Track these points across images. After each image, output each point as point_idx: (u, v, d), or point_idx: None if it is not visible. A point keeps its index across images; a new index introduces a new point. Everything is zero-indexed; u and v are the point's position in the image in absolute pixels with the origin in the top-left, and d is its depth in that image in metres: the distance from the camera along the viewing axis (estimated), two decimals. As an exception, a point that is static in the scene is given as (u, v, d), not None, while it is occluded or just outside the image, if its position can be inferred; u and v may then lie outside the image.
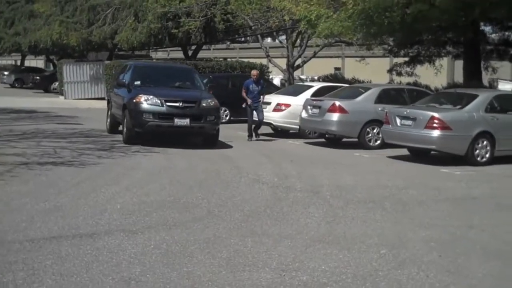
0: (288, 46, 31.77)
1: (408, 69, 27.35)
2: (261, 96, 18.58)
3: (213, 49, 56.63)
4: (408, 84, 25.67)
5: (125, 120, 15.95)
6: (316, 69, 44.31)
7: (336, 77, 35.37)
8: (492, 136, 14.78)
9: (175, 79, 17.66)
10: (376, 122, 17.14)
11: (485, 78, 26.67)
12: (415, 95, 18.26)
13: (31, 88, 51.12)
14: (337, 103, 17.43)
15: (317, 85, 21.47)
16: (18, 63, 69.78)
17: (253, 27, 32.62)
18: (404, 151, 15.92)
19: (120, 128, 16.84)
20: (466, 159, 14.66)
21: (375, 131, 17.34)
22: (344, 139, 18.47)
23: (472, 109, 14.88)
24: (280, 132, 20.34)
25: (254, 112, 18.40)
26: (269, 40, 46.10)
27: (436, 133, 14.39)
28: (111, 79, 33.78)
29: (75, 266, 6.13)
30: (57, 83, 44.66)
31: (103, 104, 27.90)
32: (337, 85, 21.90)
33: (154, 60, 47.72)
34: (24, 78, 55.52)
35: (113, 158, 13.57)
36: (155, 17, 32.53)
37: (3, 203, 8.74)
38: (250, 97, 18.31)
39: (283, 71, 32.36)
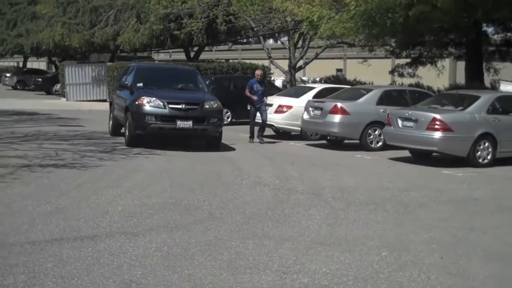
0: (290, 47, 31.75)
1: (410, 70, 27.31)
2: (265, 97, 18.51)
3: (215, 50, 56.68)
4: (410, 85, 25.64)
5: (127, 123, 15.89)
6: (318, 70, 44.28)
7: (338, 78, 35.36)
8: (494, 137, 14.77)
9: (178, 81, 17.59)
10: (378, 124, 17.14)
11: (487, 79, 26.63)
12: (417, 96, 18.25)
13: (33, 90, 51.20)
14: (339, 104, 17.43)
15: (319, 87, 21.45)
16: (20, 64, 69.85)
17: (255, 29, 32.63)
18: (406, 153, 15.91)
19: (123, 130, 16.80)
20: (468, 161, 14.64)
21: (376, 132, 17.33)
22: (346, 141, 18.47)
23: (474, 111, 14.87)
24: (281, 134, 20.34)
25: (257, 114, 18.35)
26: (271, 41, 46.12)
27: (437, 134, 14.38)
28: (113, 81, 33.83)
29: (76, 268, 6.13)
30: (59, 85, 44.71)
31: (105, 106, 27.93)
32: (339, 87, 21.90)
33: (156, 61, 47.82)
34: (26, 80, 55.59)
35: (114, 160, 13.58)
36: (157, 19, 32.56)
37: (5, 205, 8.74)
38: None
39: (285, 73, 32.34)
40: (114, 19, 35.68)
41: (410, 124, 14.94)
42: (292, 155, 15.99)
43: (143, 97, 15.67)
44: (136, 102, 15.67)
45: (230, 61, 37.81)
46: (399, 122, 15.24)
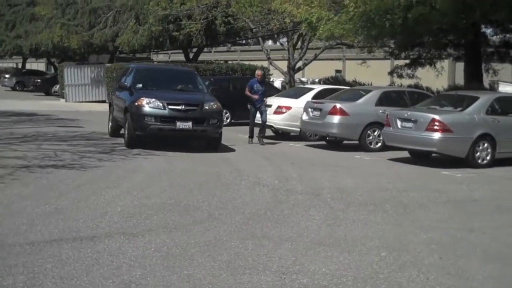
0: (289, 48, 31.79)
1: (409, 71, 27.36)
2: (265, 98, 18.45)
3: (214, 51, 56.68)
4: (409, 86, 25.65)
5: (127, 124, 15.83)
6: (317, 71, 44.31)
7: (337, 79, 35.38)
8: (493, 138, 14.78)
9: (177, 82, 17.54)
10: (377, 125, 17.15)
11: (486, 80, 26.66)
12: (416, 97, 18.26)
13: (32, 91, 51.18)
14: (338, 105, 17.43)
15: (318, 88, 21.47)
16: (19, 66, 69.81)
17: (254, 30, 32.66)
18: (405, 154, 15.91)
19: (122, 131, 16.77)
20: (467, 162, 14.65)
21: (376, 133, 17.34)
22: (345, 142, 18.48)
23: (473, 111, 14.88)
24: (281, 135, 20.34)
25: (257, 114, 18.30)
26: (270, 42, 46.13)
27: (437, 135, 14.38)
28: (112, 82, 33.84)
29: (75, 269, 6.13)
30: (58, 86, 44.73)
31: (104, 107, 27.94)
32: (338, 88, 21.92)
33: (155, 62, 47.83)
34: (25, 81, 55.58)
35: (113, 161, 13.57)
36: (156, 20, 32.57)
37: (4, 206, 8.74)
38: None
39: (284, 74, 32.37)
40: (113, 21, 35.68)
41: (409, 125, 14.95)
42: (291, 155, 16.00)
43: (142, 98, 15.63)
44: (136, 103, 15.63)
45: (229, 62, 37.81)
46: (398, 123, 15.25)
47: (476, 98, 15.34)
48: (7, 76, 59.86)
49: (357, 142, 17.62)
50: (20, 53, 51.22)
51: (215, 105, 15.98)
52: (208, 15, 30.72)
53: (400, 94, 18.87)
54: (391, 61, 35.65)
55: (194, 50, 40.85)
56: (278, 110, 19.67)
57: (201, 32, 31.49)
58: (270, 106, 19.46)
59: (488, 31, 26.36)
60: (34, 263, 6.22)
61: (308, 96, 19.81)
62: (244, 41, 43.30)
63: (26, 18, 47.79)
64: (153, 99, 15.54)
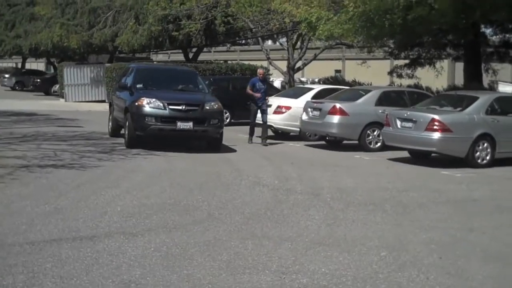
0: (288, 48, 31.79)
1: (408, 71, 27.35)
2: (267, 97, 18.37)
3: (214, 51, 56.68)
4: (409, 86, 25.66)
5: (127, 124, 15.76)
6: (316, 71, 44.34)
7: (337, 79, 35.39)
8: (492, 138, 14.78)
9: (178, 82, 17.44)
10: (377, 125, 17.15)
11: (486, 80, 26.67)
12: (415, 97, 18.26)
13: (31, 90, 51.18)
14: (338, 105, 17.43)
15: (318, 88, 21.47)
16: (19, 65, 69.82)
17: (253, 30, 32.65)
18: (405, 153, 15.92)
19: (122, 131, 16.73)
20: (467, 161, 14.65)
21: (375, 133, 17.34)
22: (345, 142, 18.48)
23: (473, 111, 14.88)
24: (280, 135, 20.34)
25: (258, 114, 18.20)
26: (269, 42, 46.15)
27: (436, 135, 14.39)
28: (111, 82, 33.84)
29: (75, 269, 6.13)
30: (57, 86, 44.71)
31: (104, 106, 27.95)
32: (337, 88, 21.92)
33: (154, 62, 47.84)
34: (24, 81, 55.58)
35: (113, 160, 13.57)
36: (156, 20, 32.57)
37: (3, 205, 8.74)
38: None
39: (284, 74, 32.37)
40: (112, 20, 35.68)
41: (409, 124, 14.95)
42: (291, 155, 16.00)
43: (142, 98, 15.55)
44: (136, 103, 15.55)
45: (229, 62, 37.82)
46: (398, 122, 15.25)
47: (476, 98, 15.34)
48: (6, 76, 59.88)
49: (356, 142, 17.63)
50: (19, 53, 51.22)
51: (216, 105, 15.88)
52: (207, 15, 30.72)
53: (400, 94, 18.87)
54: (390, 61, 35.65)
55: (194, 50, 40.84)
56: (278, 110, 19.67)
57: (200, 32, 31.49)
58: (269, 106, 19.43)
59: (488, 31, 26.37)
60: (33, 263, 6.22)
61: (308, 96, 19.81)
62: (243, 41, 43.30)
63: (25, 18, 47.78)
64: (154, 99, 15.46)
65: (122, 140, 16.44)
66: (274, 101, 20.02)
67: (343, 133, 17.62)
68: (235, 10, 28.81)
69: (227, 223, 8.26)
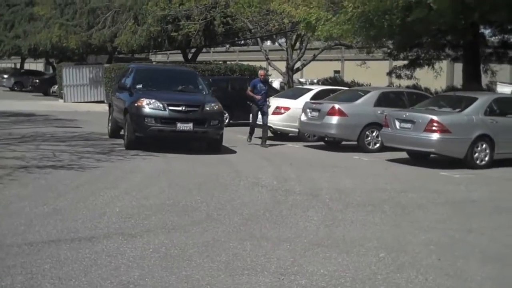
0: (287, 49, 31.81)
1: (407, 72, 27.35)
2: (267, 98, 18.32)
3: (213, 52, 56.67)
4: (408, 87, 25.68)
5: (126, 125, 15.67)
6: (315, 72, 44.34)
7: (336, 80, 35.41)
8: (491, 139, 14.79)
9: (178, 82, 17.34)
10: (375, 125, 17.15)
11: (484, 81, 26.68)
12: (414, 98, 18.27)
13: (30, 91, 51.16)
14: (337, 106, 17.44)
15: (317, 88, 21.49)
16: (18, 66, 69.80)
17: (252, 30, 32.65)
18: (403, 154, 15.92)
19: (122, 132, 16.68)
20: (466, 162, 14.66)
21: (374, 134, 17.35)
22: (343, 142, 18.48)
23: (472, 112, 14.89)
24: (279, 135, 20.33)
25: (259, 115, 18.12)
26: (268, 43, 46.12)
27: (435, 136, 14.39)
28: (110, 82, 33.83)
29: (73, 270, 6.12)
30: (56, 86, 44.71)
31: (103, 107, 27.94)
32: (336, 88, 21.93)
33: (154, 63, 47.83)
34: (23, 81, 55.56)
35: (112, 161, 13.56)
36: (155, 20, 32.56)
37: (2, 206, 8.73)
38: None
39: (283, 74, 32.38)
40: (111, 21, 35.65)
41: (408, 125, 14.96)
42: (290, 156, 16.00)
43: (142, 99, 15.47)
44: (136, 104, 15.48)
45: (228, 62, 37.82)
46: (397, 123, 15.25)
47: (475, 99, 15.35)
48: (5, 76, 59.86)
49: (355, 142, 17.63)
50: (18, 53, 51.19)
51: (216, 106, 15.79)
52: (206, 15, 30.72)
53: (399, 95, 18.88)
54: (389, 61, 35.64)
55: (193, 50, 40.82)
56: (277, 111, 19.65)
57: (199, 33, 31.48)
58: (269, 106, 19.40)
59: (487, 32, 26.38)
60: (32, 264, 6.22)
61: (307, 97, 19.82)
62: (242, 42, 43.31)
63: (24, 18, 47.75)
64: (153, 100, 15.38)
65: (120, 141, 16.43)
66: (273, 102, 20.00)
67: (342, 134, 17.62)
68: (234, 10, 28.82)
69: (225, 224, 8.26)
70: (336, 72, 49.42)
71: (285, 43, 33.50)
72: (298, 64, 32.46)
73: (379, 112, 17.25)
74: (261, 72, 18.97)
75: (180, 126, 15.16)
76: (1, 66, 73.35)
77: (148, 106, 15.32)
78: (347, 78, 37.41)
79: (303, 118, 18.31)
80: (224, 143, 16.78)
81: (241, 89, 19.40)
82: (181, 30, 31.40)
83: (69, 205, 8.95)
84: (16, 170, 11.64)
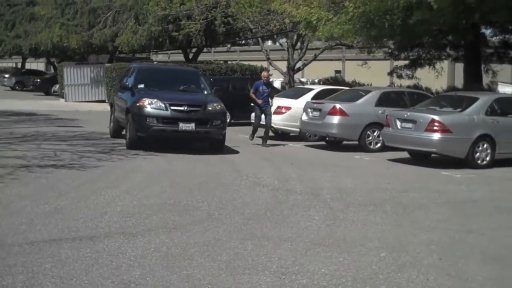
0: (288, 49, 31.80)
1: (408, 72, 27.35)
2: (270, 100, 18.18)
3: (214, 51, 56.68)
4: (409, 87, 25.66)
5: (128, 125, 15.60)
6: (316, 72, 44.32)
7: (337, 80, 35.40)
8: (492, 139, 14.79)
9: (180, 82, 17.25)
10: (377, 125, 17.16)
11: (485, 81, 26.67)
12: (415, 98, 18.27)
13: (31, 90, 51.18)
14: (338, 106, 17.44)
15: (318, 88, 21.48)
16: (19, 65, 69.81)
17: (253, 30, 32.66)
18: (405, 154, 15.92)
19: (124, 132, 16.64)
20: (467, 162, 14.66)
21: (375, 134, 17.35)
22: (345, 142, 18.48)
23: (473, 112, 14.89)
24: (280, 135, 20.33)
25: (262, 116, 18.07)
26: (269, 43, 46.14)
27: (436, 136, 14.39)
28: (111, 82, 33.83)
29: (74, 269, 6.13)
30: (57, 86, 44.72)
31: (104, 106, 27.96)
32: (337, 88, 21.92)
33: (155, 62, 47.83)
34: (24, 81, 55.58)
35: (113, 161, 13.57)
36: (156, 20, 32.56)
37: (3, 205, 8.74)
38: (260, 99, 17.97)
39: (284, 74, 32.38)
40: (112, 21, 35.67)
41: (409, 125, 14.96)
42: (291, 156, 15.99)
43: (144, 99, 15.36)
44: (137, 104, 15.38)
45: (229, 62, 37.82)
46: (398, 123, 15.25)
47: (476, 99, 15.34)
48: (6, 76, 59.88)
49: (356, 142, 17.63)
50: (19, 53, 51.21)
51: (219, 106, 15.69)
52: (207, 15, 30.72)
53: (400, 95, 18.88)
54: (390, 61, 35.63)
55: (194, 50, 40.83)
56: (278, 111, 19.64)
57: (200, 33, 31.47)
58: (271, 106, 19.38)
59: (488, 32, 26.39)
60: (33, 263, 6.22)
61: (308, 97, 19.82)
62: (243, 42, 43.29)
63: (25, 18, 47.77)
64: (155, 100, 15.28)
65: (121, 140, 16.43)
66: (274, 102, 19.99)
67: (343, 133, 17.62)
68: (235, 10, 28.81)
69: (227, 223, 8.26)
70: (337, 72, 49.41)
71: (286, 43, 33.49)
72: (299, 64, 32.44)
73: (380, 112, 17.25)
74: (264, 74, 18.75)
75: (182, 126, 15.07)
76: (2, 66, 73.39)
77: (150, 106, 15.23)
78: (348, 78, 37.40)
79: (304, 117, 18.31)
80: (226, 143, 16.78)
81: (242, 89, 19.41)
82: (182, 30, 31.40)
83: (70, 204, 8.96)
84: (17, 169, 11.65)
